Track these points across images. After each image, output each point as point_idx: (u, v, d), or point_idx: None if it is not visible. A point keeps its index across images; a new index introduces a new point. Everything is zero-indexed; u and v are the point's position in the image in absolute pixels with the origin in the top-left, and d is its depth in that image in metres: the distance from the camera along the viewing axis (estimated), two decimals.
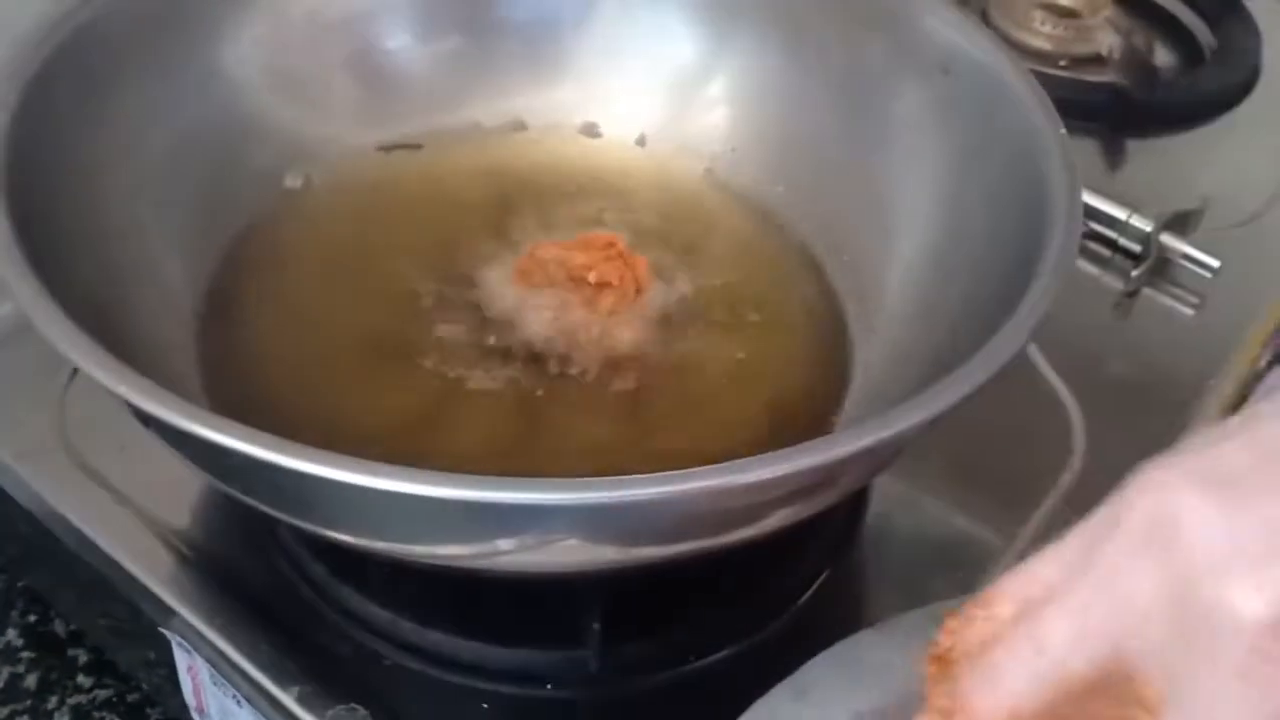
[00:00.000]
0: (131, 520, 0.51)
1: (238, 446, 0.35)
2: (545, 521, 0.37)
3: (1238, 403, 0.63)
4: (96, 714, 0.58)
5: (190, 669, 0.50)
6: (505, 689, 0.48)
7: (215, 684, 0.49)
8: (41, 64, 0.48)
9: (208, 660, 0.48)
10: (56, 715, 0.58)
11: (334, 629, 0.49)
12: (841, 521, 0.54)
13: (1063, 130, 0.49)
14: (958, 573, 0.52)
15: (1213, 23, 0.86)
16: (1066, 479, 0.56)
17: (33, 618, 0.61)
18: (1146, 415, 0.59)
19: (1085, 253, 0.69)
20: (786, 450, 0.37)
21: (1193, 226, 0.68)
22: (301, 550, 0.50)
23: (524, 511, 0.36)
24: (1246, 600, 0.28)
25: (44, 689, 0.59)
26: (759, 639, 0.50)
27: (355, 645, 0.48)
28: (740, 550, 0.45)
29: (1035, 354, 0.63)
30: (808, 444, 0.37)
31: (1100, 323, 0.66)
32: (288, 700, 0.46)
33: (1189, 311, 0.67)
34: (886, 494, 0.55)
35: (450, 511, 0.37)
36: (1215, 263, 0.67)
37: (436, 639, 0.48)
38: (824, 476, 0.40)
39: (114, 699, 0.59)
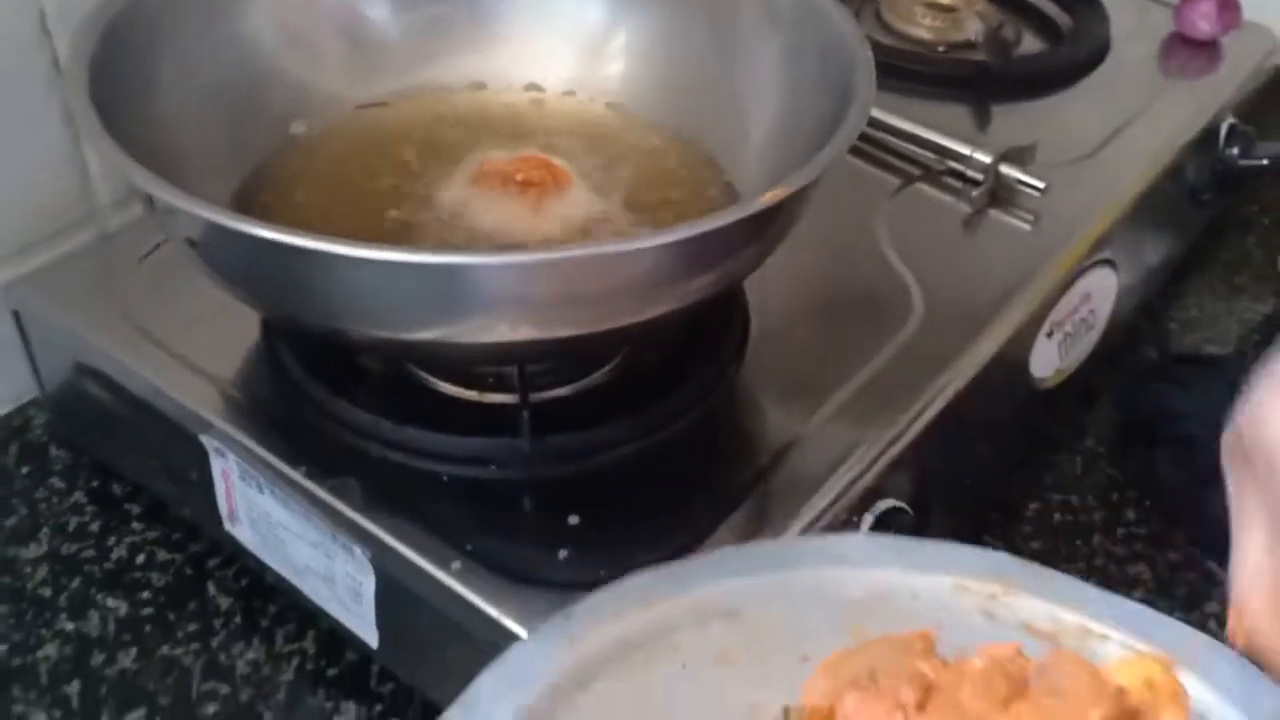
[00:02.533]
0: (179, 367, 0.68)
1: (255, 232, 0.51)
2: (481, 287, 0.53)
3: (1059, 292, 0.78)
4: (146, 548, 0.73)
5: (224, 473, 0.65)
6: (461, 470, 0.63)
7: (243, 479, 0.64)
8: (107, 22, 0.64)
9: (237, 458, 0.64)
10: (115, 550, 0.73)
11: (331, 433, 0.64)
12: (727, 354, 0.69)
13: (869, 52, 0.65)
14: (814, 393, 0.67)
15: (1070, 10, 1.04)
16: (907, 331, 0.72)
17: (95, 483, 0.77)
18: (978, 298, 0.75)
19: (939, 184, 0.85)
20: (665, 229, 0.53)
21: (1028, 159, 0.85)
22: (306, 377, 0.66)
23: (464, 276, 0.52)
24: None
25: (105, 532, 0.74)
26: (660, 438, 0.65)
27: (347, 443, 0.64)
28: (646, 364, 0.61)
29: (888, 249, 0.80)
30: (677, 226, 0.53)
31: (950, 237, 0.82)
32: (297, 476, 0.62)
33: (1025, 228, 0.82)
34: (766, 336, 0.71)
35: (411, 281, 0.53)
36: (1043, 184, 0.82)
37: (409, 433, 0.63)
38: (694, 253, 0.55)
39: (161, 538, 0.74)
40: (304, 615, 0.69)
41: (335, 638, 0.68)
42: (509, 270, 0.52)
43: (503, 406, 0.64)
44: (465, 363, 0.65)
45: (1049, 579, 0.58)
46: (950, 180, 0.85)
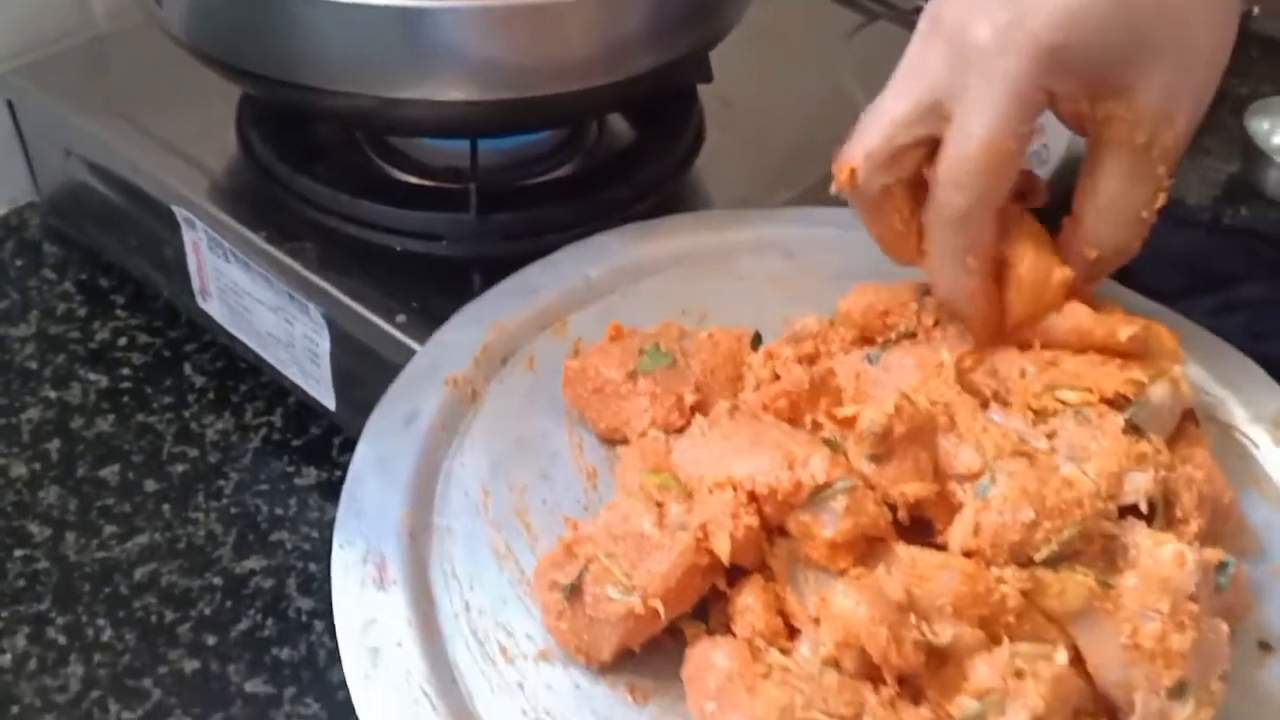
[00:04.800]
0: (157, 147, 0.72)
1: None
2: (429, 33, 0.57)
3: None
4: (129, 332, 0.78)
5: (194, 244, 0.70)
6: (413, 245, 0.67)
7: (211, 249, 0.69)
8: None
9: (205, 227, 0.68)
10: (99, 332, 0.78)
11: (293, 206, 0.69)
12: (676, 161, 0.73)
13: None
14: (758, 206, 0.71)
15: None
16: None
17: (84, 275, 0.81)
18: None
19: (905, 23, 0.87)
20: None
21: None
22: (272, 155, 0.70)
23: (413, 21, 0.56)
24: (980, 29, 0.47)
25: (90, 317, 0.79)
26: (604, 225, 0.68)
27: (307, 215, 0.68)
28: (596, 166, 0.67)
29: (849, 82, 0.82)
30: None
31: None
32: (259, 240, 0.66)
33: None
34: (717, 153, 0.74)
35: (364, 26, 0.56)
36: None
37: (365, 207, 0.67)
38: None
39: (143, 324, 0.78)
40: (274, 393, 0.74)
41: (301, 413, 0.72)
42: (455, 16, 0.56)
43: (454, 189, 0.68)
44: (420, 131, 0.69)
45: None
46: (916, 19, 0.87)
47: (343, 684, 0.59)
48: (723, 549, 0.44)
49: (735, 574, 0.47)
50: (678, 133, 0.73)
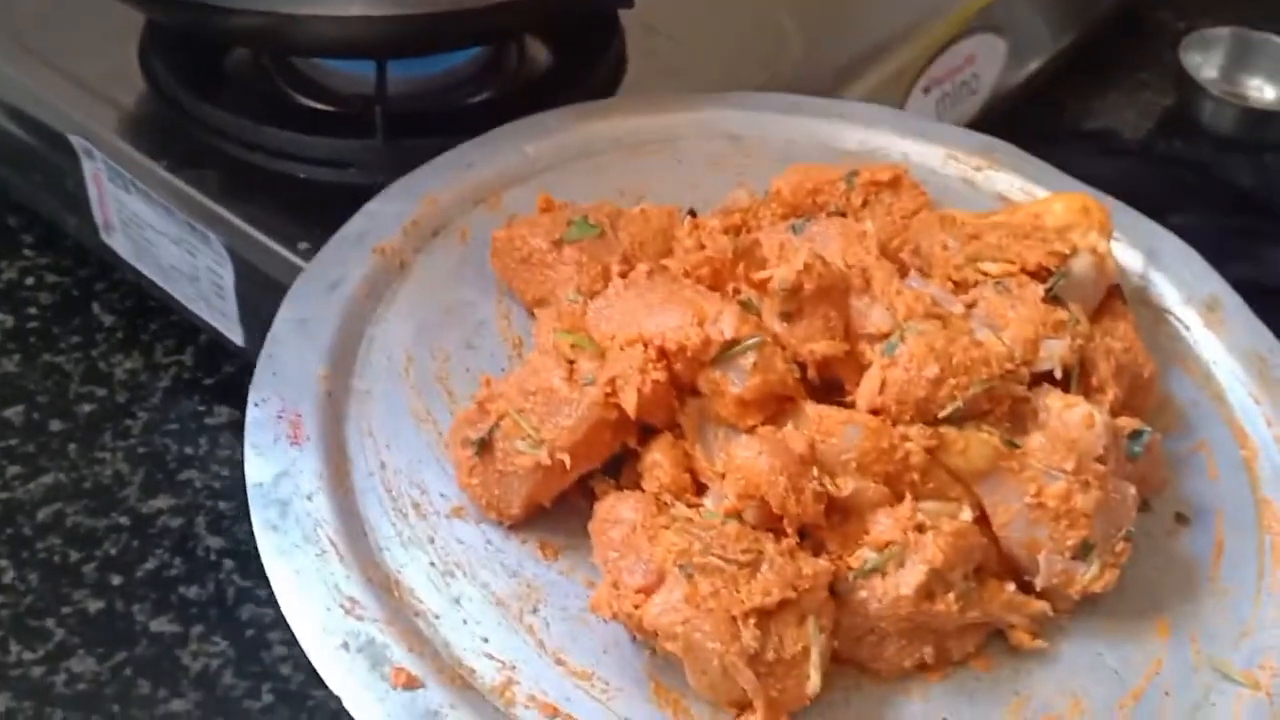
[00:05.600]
0: (57, 77, 0.70)
1: None
2: None
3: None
4: (36, 272, 0.76)
5: (95, 176, 0.68)
6: (321, 173, 0.65)
7: (112, 180, 0.67)
8: None
9: (104, 157, 0.66)
10: (5, 272, 0.76)
11: (194, 134, 0.66)
12: (592, 88, 0.70)
13: None
14: None
15: None
16: (782, 72, 0.75)
17: None
18: (855, 46, 0.77)
19: None
20: None
21: None
22: (173, 81, 0.68)
23: None
24: None
25: None
26: None
27: (209, 143, 0.66)
28: (508, 93, 0.66)
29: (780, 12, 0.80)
30: None
31: None
32: (158, 169, 0.65)
33: None
34: (638, 80, 0.73)
35: None
36: None
37: (269, 133, 0.65)
38: None
39: (51, 264, 0.76)
40: (185, 331, 0.72)
41: (214, 351, 0.71)
42: None
43: (360, 115, 0.66)
44: (324, 51, 0.67)
45: (1033, 162, 0.65)
46: None
47: (252, 622, 0.60)
48: (630, 403, 0.45)
49: (647, 433, 0.47)
50: (597, 60, 0.71)
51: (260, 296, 0.63)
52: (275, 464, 0.47)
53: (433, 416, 0.50)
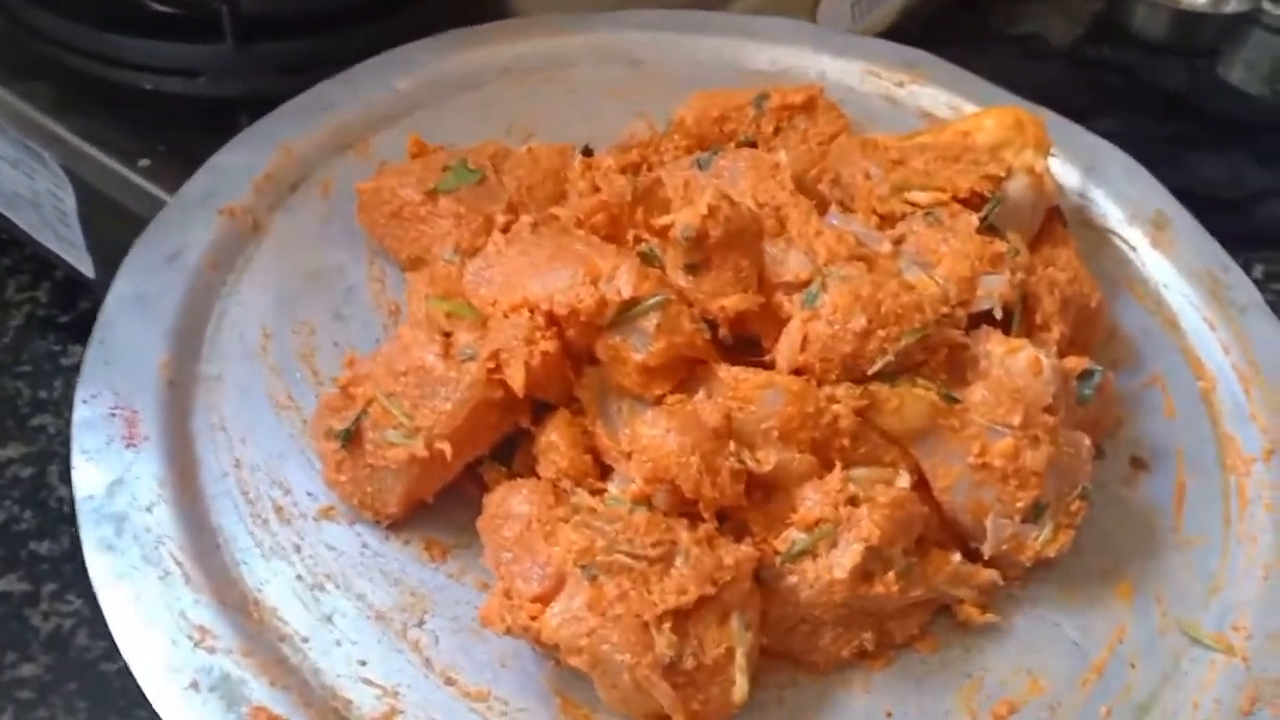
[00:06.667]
0: None
1: None
2: None
3: None
4: None
5: None
6: (167, 83, 0.58)
7: None
8: None
9: None
10: None
11: (26, 43, 0.59)
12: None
13: None
14: None
15: None
16: None
17: None
18: None
19: None
20: None
21: None
22: None
23: None
24: None
25: None
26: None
27: (44, 53, 0.59)
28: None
29: None
30: None
31: None
32: (9, 97, 0.58)
33: None
34: None
35: None
36: None
37: (109, 40, 0.58)
38: None
39: None
40: (39, 267, 0.66)
41: (70, 287, 0.65)
42: None
43: (210, 19, 0.57)
44: None
45: (960, 75, 0.59)
46: None
47: None
48: (516, 379, 0.39)
49: (541, 411, 0.41)
50: None
51: (107, 223, 0.57)
52: (108, 471, 0.40)
53: (295, 402, 0.44)
